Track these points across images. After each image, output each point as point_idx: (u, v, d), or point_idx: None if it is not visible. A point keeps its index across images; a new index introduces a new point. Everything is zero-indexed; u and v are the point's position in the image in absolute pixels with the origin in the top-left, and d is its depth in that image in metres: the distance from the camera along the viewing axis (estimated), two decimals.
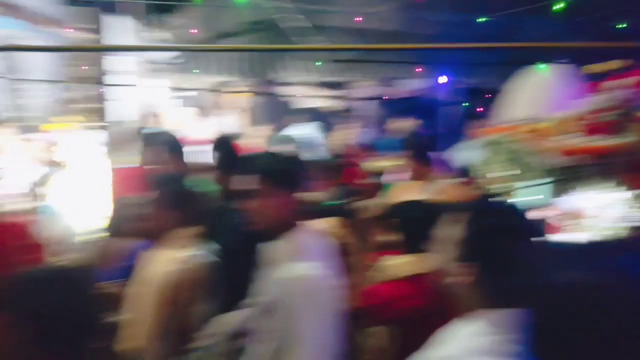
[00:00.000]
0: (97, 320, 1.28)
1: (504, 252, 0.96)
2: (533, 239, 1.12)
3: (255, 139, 4.91)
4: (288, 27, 7.96)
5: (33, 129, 4.85)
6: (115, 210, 2.90)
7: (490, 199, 2.81)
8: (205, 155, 3.64)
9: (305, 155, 3.19)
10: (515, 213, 1.22)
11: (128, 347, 1.89)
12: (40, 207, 3.38)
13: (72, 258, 2.91)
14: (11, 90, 6.22)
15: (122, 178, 3.34)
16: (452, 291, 1.14)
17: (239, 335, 1.49)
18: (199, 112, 5.31)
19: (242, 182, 1.73)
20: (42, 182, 3.53)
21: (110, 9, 3.74)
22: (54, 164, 3.96)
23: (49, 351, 1.19)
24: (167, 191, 2.06)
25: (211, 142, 3.78)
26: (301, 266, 1.57)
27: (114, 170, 3.86)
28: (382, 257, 2.18)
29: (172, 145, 2.90)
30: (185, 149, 2.98)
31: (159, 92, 8.01)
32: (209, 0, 8.19)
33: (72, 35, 4.53)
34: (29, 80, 5.21)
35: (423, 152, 3.38)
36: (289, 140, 3.77)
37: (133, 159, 3.29)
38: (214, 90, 5.95)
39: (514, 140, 4.05)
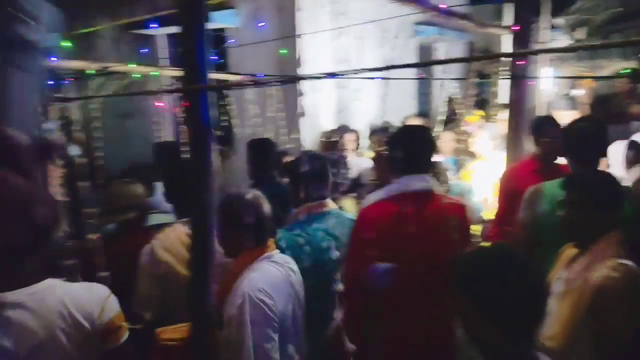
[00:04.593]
0: (544, 306, 1.31)
1: None
2: None
3: None
4: None
5: (451, 123, 5.54)
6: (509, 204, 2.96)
7: None
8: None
9: None
10: None
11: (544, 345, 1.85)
12: (460, 190, 3.85)
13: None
14: (429, 87, 7.28)
15: (516, 170, 3.37)
16: None
17: None
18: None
19: None
20: (459, 169, 4.01)
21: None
22: (469, 154, 4.45)
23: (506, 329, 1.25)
24: (601, 193, 1.95)
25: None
26: None
27: (510, 162, 3.92)
28: None
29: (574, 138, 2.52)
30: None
31: (557, 81, 7.73)
32: None
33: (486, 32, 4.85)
34: (445, 79, 5.97)
35: None
36: None
37: (530, 150, 3.30)
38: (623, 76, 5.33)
39: None
